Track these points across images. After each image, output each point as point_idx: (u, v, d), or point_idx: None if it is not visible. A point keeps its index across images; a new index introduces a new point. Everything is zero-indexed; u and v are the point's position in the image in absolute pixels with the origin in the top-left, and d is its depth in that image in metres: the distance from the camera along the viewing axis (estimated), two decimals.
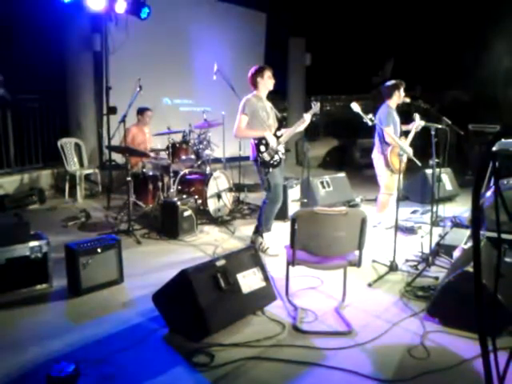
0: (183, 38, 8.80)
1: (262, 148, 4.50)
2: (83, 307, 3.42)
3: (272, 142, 4.50)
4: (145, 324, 3.15)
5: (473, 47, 9.49)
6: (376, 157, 5.28)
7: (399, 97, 5.20)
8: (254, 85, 4.63)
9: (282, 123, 4.75)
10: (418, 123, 5.17)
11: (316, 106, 4.57)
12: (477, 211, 1.29)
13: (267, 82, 4.59)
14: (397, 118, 5.20)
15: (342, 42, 10.85)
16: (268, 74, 4.58)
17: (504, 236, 3.51)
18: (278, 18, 10.34)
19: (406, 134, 5.28)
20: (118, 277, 3.80)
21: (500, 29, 8.65)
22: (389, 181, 5.20)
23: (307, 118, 4.53)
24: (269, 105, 4.73)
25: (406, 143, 5.07)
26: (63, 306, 3.46)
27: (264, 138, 4.49)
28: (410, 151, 4.75)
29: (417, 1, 10.11)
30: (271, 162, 4.51)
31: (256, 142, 4.53)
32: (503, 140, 3.66)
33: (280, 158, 4.57)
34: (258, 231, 4.74)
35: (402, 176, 4.33)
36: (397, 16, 10.28)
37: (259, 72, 4.58)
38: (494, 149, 1.33)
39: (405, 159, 4.75)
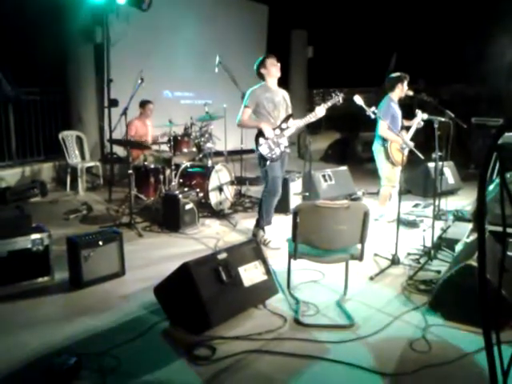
0: (184, 30, 8.73)
1: (261, 140, 4.44)
2: (84, 300, 3.42)
3: (268, 133, 4.40)
4: (146, 317, 3.15)
5: (476, 41, 9.43)
6: (376, 149, 5.25)
7: (402, 90, 5.16)
8: (261, 77, 4.62)
9: (291, 115, 4.61)
10: (419, 119, 5.09)
11: (336, 97, 4.40)
12: (482, 204, 1.28)
13: (271, 70, 4.54)
14: (398, 112, 5.16)
15: (344, 34, 10.79)
16: (270, 61, 4.54)
17: (509, 230, 3.48)
18: (279, 10, 10.30)
19: (407, 129, 5.24)
20: (119, 270, 3.80)
21: (503, 23, 8.60)
22: (390, 173, 5.17)
23: (319, 111, 4.41)
24: (281, 93, 4.67)
25: (405, 137, 5.02)
26: (64, 299, 3.46)
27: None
28: (410, 142, 4.71)
29: None
30: (269, 155, 4.44)
31: (256, 133, 4.50)
32: (507, 134, 3.63)
33: (281, 152, 4.49)
34: (259, 224, 4.73)
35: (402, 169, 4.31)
36: (400, 9, 10.21)
37: (261, 64, 4.57)
38: (499, 142, 1.32)
39: (406, 152, 4.73)
